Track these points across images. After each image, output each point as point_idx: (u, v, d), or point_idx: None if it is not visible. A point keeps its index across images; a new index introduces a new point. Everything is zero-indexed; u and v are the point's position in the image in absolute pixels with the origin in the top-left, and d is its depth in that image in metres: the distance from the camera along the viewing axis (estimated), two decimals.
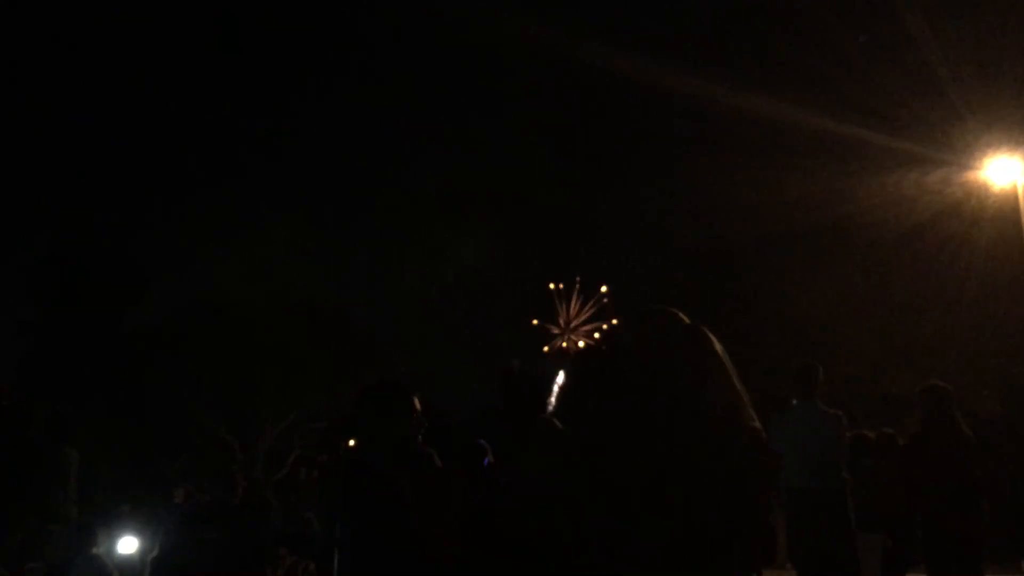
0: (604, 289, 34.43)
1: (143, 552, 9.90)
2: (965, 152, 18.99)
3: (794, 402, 6.51)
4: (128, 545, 10.07)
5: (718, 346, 2.96)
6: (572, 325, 34.67)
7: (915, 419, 6.71)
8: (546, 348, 34.16)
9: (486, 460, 5.59)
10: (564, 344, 33.96)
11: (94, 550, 7.76)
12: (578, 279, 34.62)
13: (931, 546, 6.31)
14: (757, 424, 2.92)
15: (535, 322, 34.22)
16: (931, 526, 6.24)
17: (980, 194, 19.15)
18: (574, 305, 34.76)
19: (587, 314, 34.78)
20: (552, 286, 34.56)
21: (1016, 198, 16.82)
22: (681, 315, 3.07)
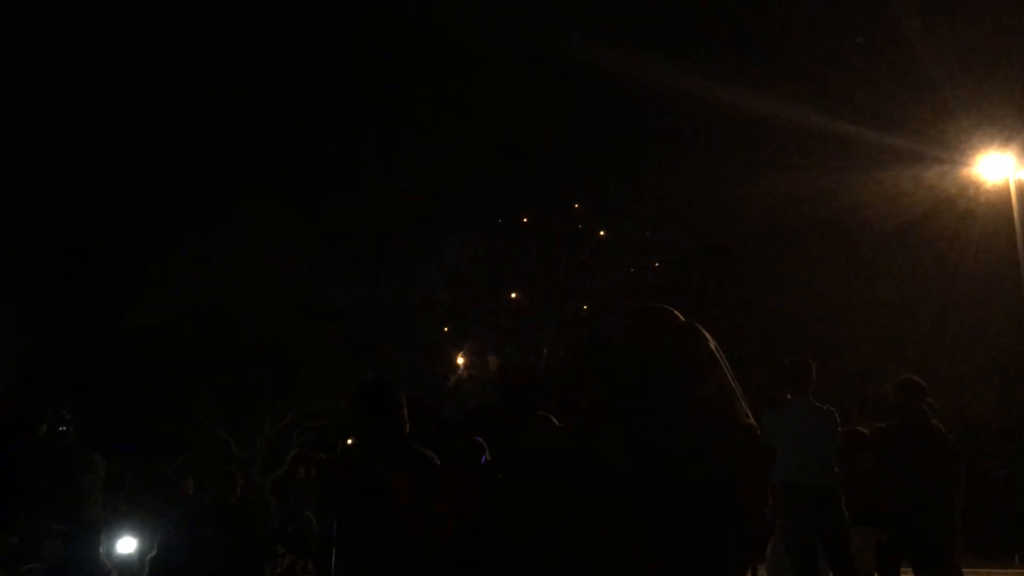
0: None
1: (142, 552, 9.93)
2: (957, 148, 19.08)
3: (787, 398, 6.54)
4: (127, 545, 10.10)
5: (712, 343, 2.99)
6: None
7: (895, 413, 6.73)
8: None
9: (483, 458, 5.62)
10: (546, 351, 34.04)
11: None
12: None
13: (906, 537, 6.37)
14: (751, 420, 2.95)
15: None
16: (903, 519, 6.29)
17: (972, 190, 19.22)
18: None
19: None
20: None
21: (1008, 194, 16.89)
22: (675, 312, 3.10)
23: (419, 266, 32.49)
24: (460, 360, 32.74)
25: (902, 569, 7.11)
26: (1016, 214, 16.53)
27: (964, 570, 6.50)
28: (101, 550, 7.74)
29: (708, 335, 3.00)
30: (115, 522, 9.91)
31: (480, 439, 5.80)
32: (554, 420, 5.10)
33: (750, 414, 2.96)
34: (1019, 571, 16.32)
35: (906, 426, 6.36)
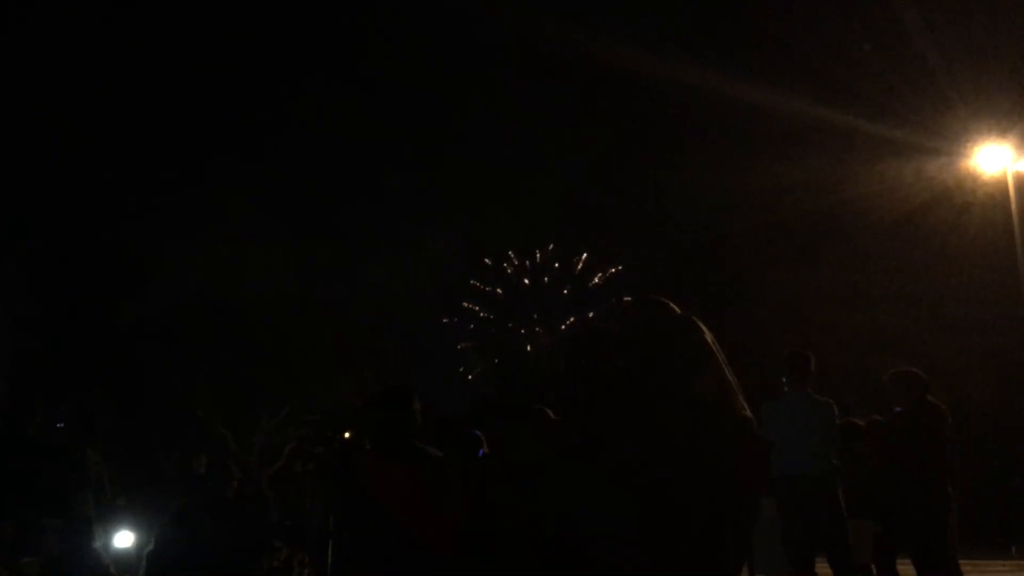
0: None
1: (139, 546, 9.92)
2: (955, 140, 19.06)
3: (786, 390, 6.54)
4: (124, 539, 10.09)
5: (708, 336, 2.97)
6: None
7: (893, 404, 6.73)
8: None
9: (481, 451, 5.62)
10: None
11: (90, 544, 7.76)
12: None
13: (903, 529, 6.40)
14: (748, 413, 2.93)
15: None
16: (901, 511, 6.32)
17: (970, 182, 19.21)
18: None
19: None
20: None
21: (1006, 185, 16.88)
22: (672, 305, 3.08)
23: (405, 259, 32.51)
24: (455, 353, 32.89)
25: (899, 561, 7.13)
26: (1013, 205, 16.53)
27: (960, 562, 6.51)
28: (98, 544, 7.74)
29: (705, 327, 2.98)
30: (112, 516, 9.89)
31: (478, 432, 5.79)
32: (551, 413, 5.09)
33: (747, 407, 2.94)
34: (1016, 562, 16.34)
35: (907, 419, 6.36)
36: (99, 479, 6.99)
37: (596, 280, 35.31)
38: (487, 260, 35.96)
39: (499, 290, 35.48)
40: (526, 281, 36.24)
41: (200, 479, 9.36)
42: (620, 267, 35.13)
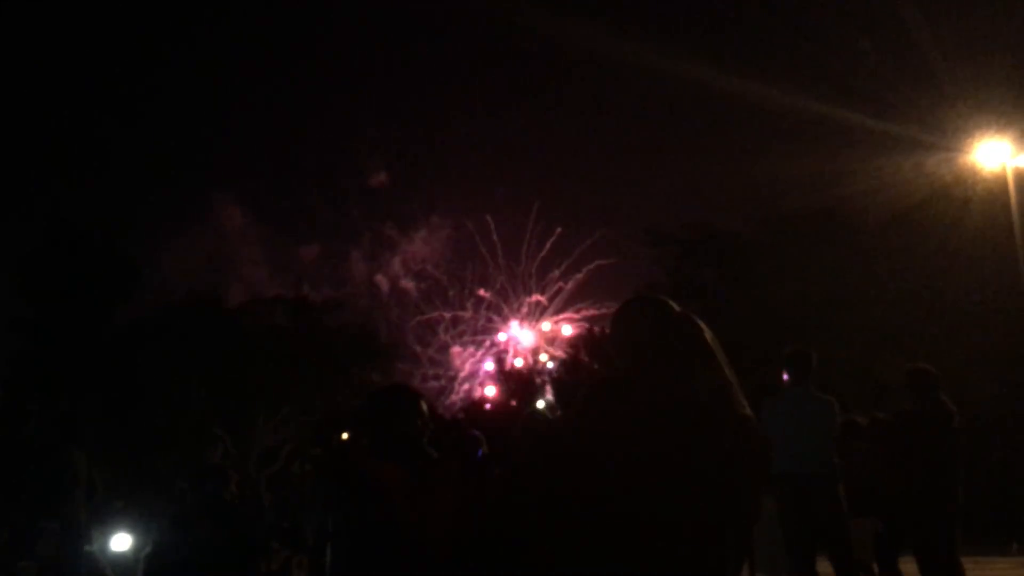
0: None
1: (136, 549, 9.89)
2: (954, 135, 19.09)
3: (787, 388, 6.51)
4: (122, 542, 10.07)
5: (708, 333, 2.94)
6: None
7: (905, 402, 6.73)
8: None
9: (480, 451, 5.60)
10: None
11: (87, 547, 7.73)
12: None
13: (908, 527, 6.39)
14: (748, 411, 2.90)
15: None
16: (905, 507, 6.32)
17: (969, 177, 19.22)
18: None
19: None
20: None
21: (1005, 181, 16.88)
22: (670, 303, 3.05)
23: (401, 260, 32.59)
24: (453, 354, 32.97)
25: (900, 559, 7.10)
26: (1013, 200, 16.53)
27: (962, 558, 6.49)
28: (95, 546, 7.72)
29: (704, 325, 2.95)
30: (110, 518, 9.87)
31: (478, 432, 5.78)
32: (548, 413, 5.07)
33: (747, 405, 2.91)
34: (1017, 559, 16.32)
35: (915, 416, 6.35)
36: (89, 480, 6.96)
37: (587, 278, 35.43)
38: (482, 260, 36.13)
39: (486, 292, 35.67)
40: (513, 288, 36.38)
41: (202, 479, 9.30)
42: (617, 264, 35.19)
